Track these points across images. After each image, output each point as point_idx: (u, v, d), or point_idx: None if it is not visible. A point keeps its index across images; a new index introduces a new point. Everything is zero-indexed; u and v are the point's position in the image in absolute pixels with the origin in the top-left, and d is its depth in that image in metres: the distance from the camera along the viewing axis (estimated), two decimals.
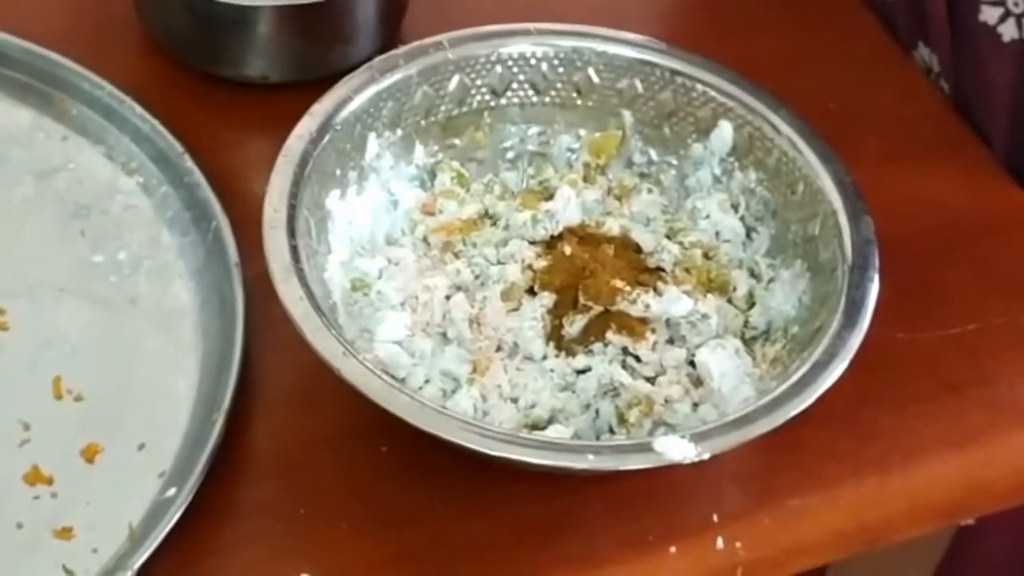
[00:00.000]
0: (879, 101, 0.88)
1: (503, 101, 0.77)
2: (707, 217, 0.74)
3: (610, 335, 0.68)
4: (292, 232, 0.67)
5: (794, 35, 0.91)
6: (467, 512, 0.67)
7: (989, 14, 0.81)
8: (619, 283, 0.69)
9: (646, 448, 0.61)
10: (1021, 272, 0.79)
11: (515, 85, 0.76)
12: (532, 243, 0.72)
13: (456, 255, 0.73)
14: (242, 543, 0.66)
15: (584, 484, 0.68)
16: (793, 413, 0.62)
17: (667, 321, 0.69)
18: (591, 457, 0.61)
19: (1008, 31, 0.81)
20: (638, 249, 0.72)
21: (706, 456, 0.61)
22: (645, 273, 0.71)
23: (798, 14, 0.93)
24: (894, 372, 0.73)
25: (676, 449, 0.61)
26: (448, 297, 0.70)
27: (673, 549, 0.66)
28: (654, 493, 0.68)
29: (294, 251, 0.66)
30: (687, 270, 0.71)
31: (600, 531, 0.67)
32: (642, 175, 0.77)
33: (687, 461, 0.61)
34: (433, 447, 0.63)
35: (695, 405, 0.67)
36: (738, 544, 0.67)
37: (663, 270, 0.72)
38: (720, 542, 0.67)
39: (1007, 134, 0.84)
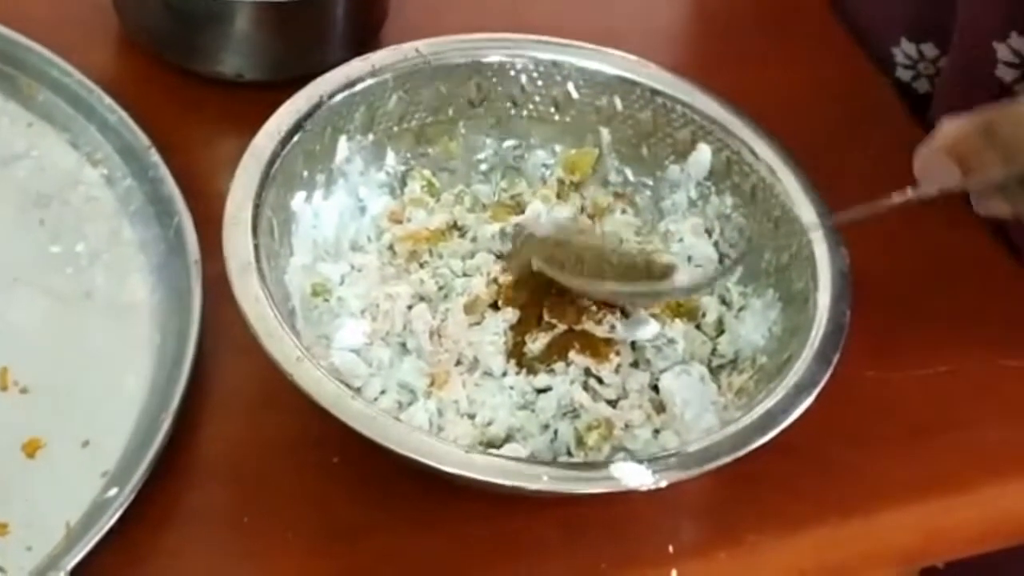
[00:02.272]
0: (863, 137, 0.87)
1: (479, 112, 0.75)
2: (680, 240, 0.73)
3: (573, 355, 0.67)
4: (254, 231, 0.65)
5: (781, 66, 0.90)
6: (416, 529, 0.65)
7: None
8: (585, 302, 0.67)
9: (603, 473, 0.59)
10: (993, 317, 0.78)
11: (492, 96, 0.75)
12: (500, 257, 0.70)
13: (421, 265, 0.71)
14: (183, 549, 0.64)
15: (539, 507, 0.66)
16: (756, 445, 0.61)
17: (632, 344, 0.68)
18: (545, 478, 0.59)
19: None
20: None
21: (663, 484, 0.59)
22: None
23: (787, 46, 0.91)
24: (861, 410, 0.72)
25: (633, 475, 0.59)
26: (410, 307, 0.68)
27: None
28: (610, 521, 0.66)
29: (255, 250, 0.64)
30: None
31: (552, 556, 0.65)
32: (616, 195, 0.76)
33: (644, 488, 0.59)
34: (385, 460, 0.61)
35: (656, 431, 0.66)
36: None
37: None
38: (675, 575, 0.65)
39: None
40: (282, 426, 0.67)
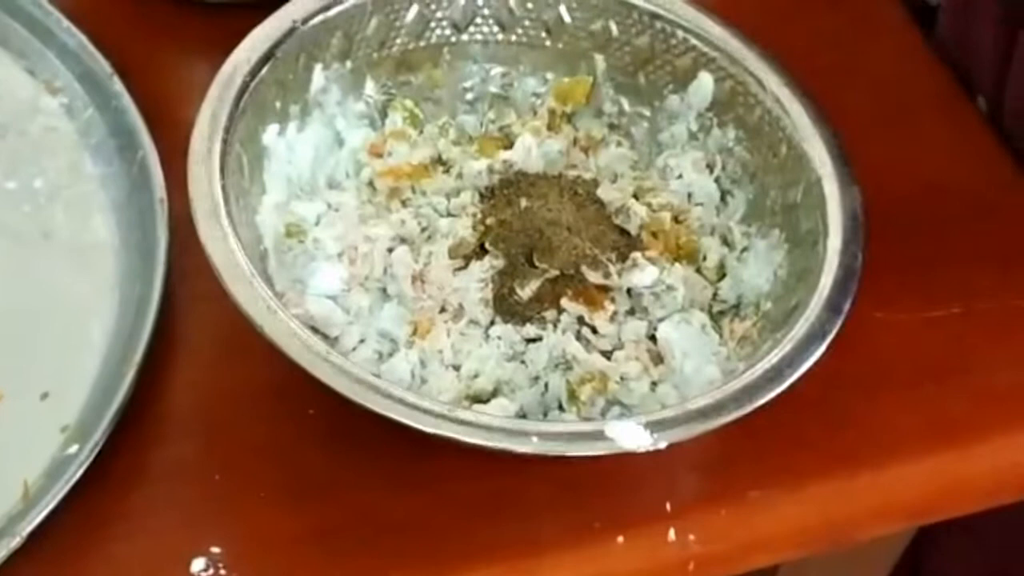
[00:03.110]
0: (871, 57, 0.83)
1: (465, 37, 0.71)
2: (679, 177, 0.69)
3: (565, 302, 0.63)
4: (222, 169, 0.61)
5: None
6: (397, 486, 0.62)
7: None
8: (579, 242, 0.63)
9: (597, 434, 0.56)
10: (1011, 252, 0.74)
11: (479, 20, 0.71)
12: (487, 195, 0.66)
13: (403, 203, 0.67)
14: (149, 509, 0.61)
15: (527, 463, 0.63)
16: (761, 402, 0.57)
17: (629, 291, 0.64)
18: (535, 440, 0.55)
19: None
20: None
21: (662, 446, 0.56)
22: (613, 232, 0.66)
23: None
24: (870, 354, 0.68)
25: (630, 436, 0.55)
26: (391, 250, 0.65)
27: (621, 539, 0.62)
28: (603, 477, 0.63)
29: (223, 190, 0.60)
30: (654, 234, 0.66)
31: (542, 514, 0.62)
32: (612, 126, 0.72)
33: (641, 450, 0.55)
34: (364, 413, 0.58)
35: (654, 384, 0.62)
36: (691, 536, 0.62)
37: (628, 233, 0.66)
38: (672, 533, 0.62)
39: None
40: (255, 376, 0.64)
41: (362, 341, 0.62)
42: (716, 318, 0.65)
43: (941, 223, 0.75)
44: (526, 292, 0.63)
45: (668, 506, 0.62)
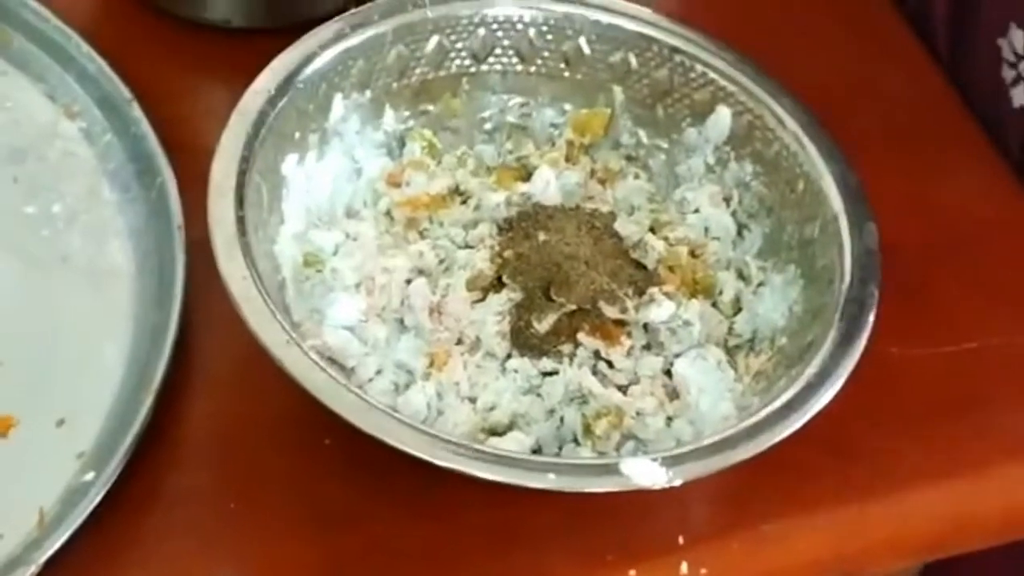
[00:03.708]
0: (882, 84, 0.82)
1: (484, 67, 0.71)
2: (696, 211, 0.69)
3: (582, 336, 0.63)
4: (240, 200, 0.61)
5: (795, 8, 0.85)
6: (411, 515, 0.62)
7: None
8: (597, 277, 0.63)
9: (612, 470, 0.56)
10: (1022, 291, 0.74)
11: (498, 51, 0.71)
12: (504, 228, 0.66)
13: (421, 234, 0.67)
14: (165, 536, 0.61)
15: (540, 494, 0.62)
16: (776, 440, 0.57)
17: (645, 326, 0.64)
18: (551, 477, 0.55)
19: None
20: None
21: (678, 483, 0.56)
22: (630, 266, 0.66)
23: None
24: (884, 389, 0.68)
25: (645, 473, 0.55)
26: (408, 281, 0.64)
27: (633, 572, 0.62)
28: (616, 509, 0.63)
29: (240, 222, 0.60)
30: (671, 269, 0.66)
31: (554, 546, 0.62)
32: (629, 158, 0.72)
33: (657, 487, 0.55)
34: (380, 443, 0.58)
35: (669, 419, 0.62)
36: (704, 570, 0.62)
37: (645, 267, 0.66)
38: (684, 567, 0.62)
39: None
40: (271, 404, 0.64)
41: (379, 372, 0.62)
42: (731, 352, 0.65)
43: (956, 258, 0.74)
44: (543, 326, 0.63)
45: (680, 539, 0.62)
